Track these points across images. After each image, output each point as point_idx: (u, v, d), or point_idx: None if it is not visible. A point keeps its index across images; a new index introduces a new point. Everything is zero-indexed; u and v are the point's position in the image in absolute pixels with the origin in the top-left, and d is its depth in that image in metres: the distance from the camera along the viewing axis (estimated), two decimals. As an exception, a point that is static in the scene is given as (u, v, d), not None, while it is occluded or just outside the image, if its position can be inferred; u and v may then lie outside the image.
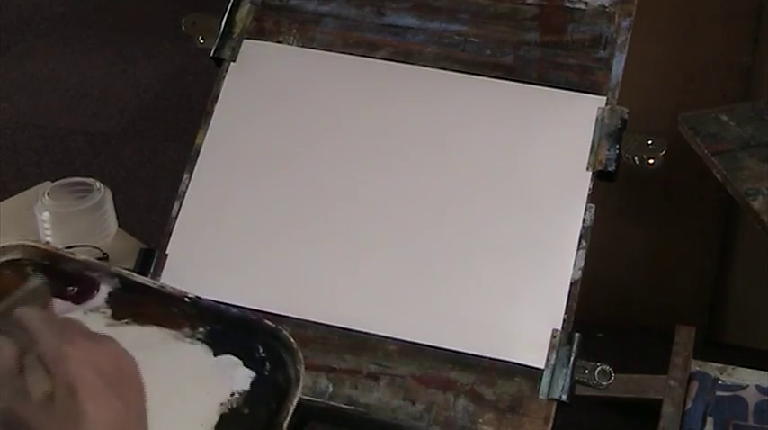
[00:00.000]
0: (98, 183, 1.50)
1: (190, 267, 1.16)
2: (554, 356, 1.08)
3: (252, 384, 0.89)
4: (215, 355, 0.91)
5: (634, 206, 2.15)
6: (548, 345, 1.08)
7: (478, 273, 1.13)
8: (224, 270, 1.16)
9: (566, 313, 1.10)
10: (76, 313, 0.90)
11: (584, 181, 1.15)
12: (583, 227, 1.13)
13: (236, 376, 0.89)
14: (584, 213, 1.13)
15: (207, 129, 1.23)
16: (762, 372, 1.59)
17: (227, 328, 0.92)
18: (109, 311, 0.91)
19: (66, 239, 1.42)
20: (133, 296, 0.92)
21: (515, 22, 1.24)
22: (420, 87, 1.23)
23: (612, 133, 1.17)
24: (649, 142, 1.16)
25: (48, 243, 0.96)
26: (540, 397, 1.06)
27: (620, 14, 1.22)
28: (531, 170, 1.17)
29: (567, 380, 1.06)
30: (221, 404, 0.87)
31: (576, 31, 1.22)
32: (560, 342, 1.08)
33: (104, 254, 1.44)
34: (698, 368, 1.61)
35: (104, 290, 0.93)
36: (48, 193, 1.47)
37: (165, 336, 0.91)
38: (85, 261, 0.94)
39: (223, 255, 1.17)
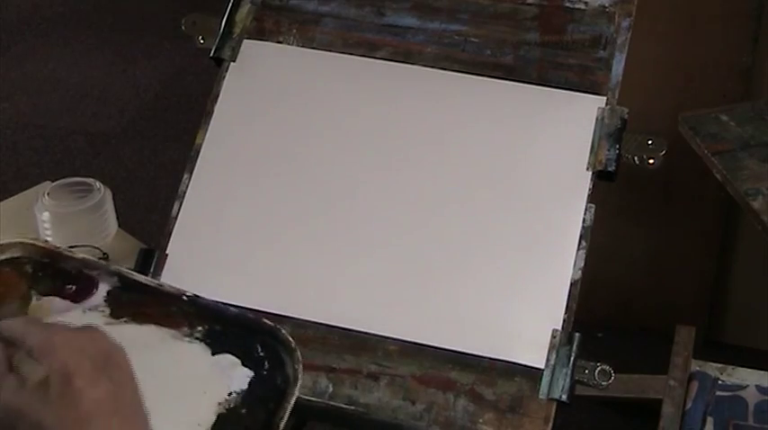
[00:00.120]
0: (98, 183, 1.50)
1: (190, 267, 1.16)
2: (554, 356, 1.08)
3: (250, 384, 0.88)
4: (213, 355, 0.91)
5: (634, 206, 2.15)
6: (548, 345, 1.08)
7: (478, 273, 1.13)
8: (224, 270, 1.16)
9: (566, 313, 1.10)
10: (75, 312, 0.90)
11: (584, 181, 1.15)
12: (583, 227, 1.13)
13: (234, 376, 0.89)
14: (584, 213, 1.13)
15: (207, 129, 1.23)
16: (762, 372, 1.59)
17: (226, 327, 0.92)
18: (107, 310, 0.91)
19: (66, 239, 1.42)
20: (132, 295, 0.92)
21: (515, 22, 1.24)
22: (420, 87, 1.23)
23: (612, 133, 1.17)
24: (649, 142, 1.16)
25: (47, 241, 0.96)
26: (540, 397, 1.06)
27: (620, 14, 1.22)
28: (531, 170, 1.17)
29: (567, 380, 1.06)
30: (219, 404, 0.87)
31: (575, 31, 1.22)
32: (560, 342, 1.08)
33: (104, 254, 1.44)
34: (698, 368, 1.61)
35: (103, 288, 0.93)
36: (48, 193, 1.47)
37: (164, 336, 0.91)
38: (84, 259, 0.94)
39: (223, 255, 1.17)
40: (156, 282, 0.95)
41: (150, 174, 2.82)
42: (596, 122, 1.17)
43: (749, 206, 1.53)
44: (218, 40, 1.26)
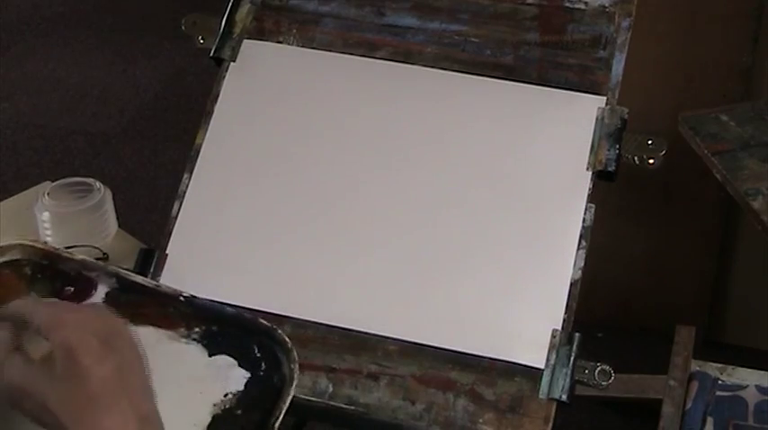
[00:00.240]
0: (98, 183, 1.50)
1: (190, 267, 1.16)
2: (554, 356, 1.08)
3: (246, 385, 0.88)
4: (210, 356, 0.91)
5: (634, 206, 2.15)
6: (548, 345, 1.08)
7: (478, 273, 1.13)
8: (224, 270, 1.16)
9: (566, 313, 1.10)
10: None
11: (584, 181, 1.15)
12: (583, 227, 1.13)
13: (230, 377, 0.89)
14: (584, 213, 1.13)
15: (207, 129, 1.23)
16: (762, 372, 1.59)
17: (223, 328, 0.92)
18: None
19: (66, 239, 1.42)
20: (130, 296, 0.92)
21: (515, 22, 1.24)
22: (420, 87, 1.23)
23: (612, 133, 1.17)
24: (649, 142, 1.16)
25: (46, 242, 0.96)
26: (540, 397, 1.06)
27: (620, 14, 1.22)
28: (531, 170, 1.17)
29: (567, 380, 1.06)
30: (214, 405, 0.87)
31: (576, 31, 1.22)
32: (560, 342, 1.08)
33: (104, 254, 1.44)
34: (698, 368, 1.61)
35: (102, 290, 0.93)
36: (48, 193, 1.47)
37: (161, 337, 0.91)
38: (83, 260, 0.94)
39: (223, 255, 1.17)
40: (154, 282, 0.95)
41: (150, 174, 2.83)
42: (596, 122, 1.17)
43: (749, 206, 1.53)
44: (218, 40, 1.26)
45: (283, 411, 0.85)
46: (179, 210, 1.20)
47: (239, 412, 0.87)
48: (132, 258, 1.18)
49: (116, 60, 3.38)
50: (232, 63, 1.26)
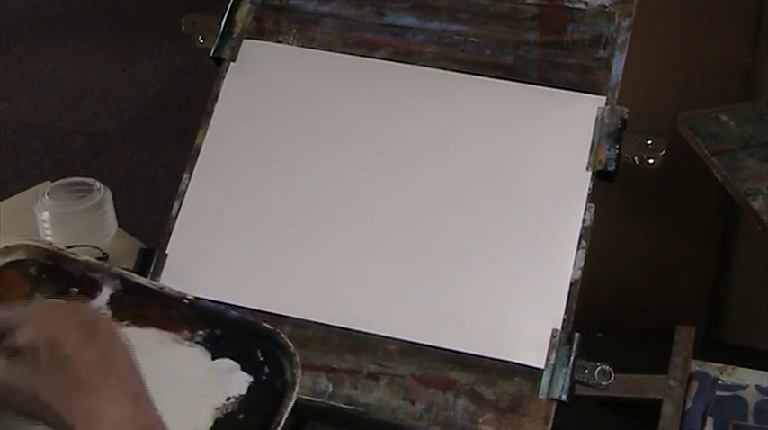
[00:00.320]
0: (98, 183, 1.50)
1: (190, 267, 1.16)
2: (554, 356, 1.08)
3: (249, 389, 0.88)
4: (213, 359, 0.90)
5: (634, 206, 2.15)
6: (548, 345, 1.08)
7: (478, 273, 1.13)
8: (224, 270, 1.16)
9: (566, 313, 1.10)
10: None
11: (584, 181, 1.15)
12: (583, 227, 1.13)
13: (232, 380, 0.89)
14: (584, 213, 1.13)
15: (207, 129, 1.23)
16: (762, 372, 1.59)
17: (226, 331, 0.91)
18: (110, 313, 0.91)
19: (66, 239, 1.42)
20: (134, 298, 0.92)
21: (515, 22, 1.24)
22: (420, 87, 1.23)
23: (612, 133, 1.16)
24: (649, 142, 1.16)
25: (51, 243, 0.95)
26: (540, 397, 1.06)
27: (620, 14, 1.22)
28: (531, 170, 1.17)
29: (567, 379, 1.06)
30: (216, 409, 0.87)
31: (576, 31, 1.22)
32: (560, 342, 1.08)
33: (104, 253, 1.43)
34: (698, 368, 1.61)
35: (106, 291, 0.93)
36: (48, 193, 1.47)
37: (164, 339, 0.91)
38: (87, 262, 0.94)
39: (223, 255, 1.17)
40: (158, 284, 0.95)
41: (150, 174, 2.82)
42: (596, 122, 1.17)
43: (749, 206, 1.53)
44: (218, 40, 1.26)
45: (285, 416, 0.84)
46: (179, 209, 1.20)
47: (241, 416, 0.86)
48: (132, 258, 1.18)
49: (116, 60, 3.38)
50: (232, 63, 1.26)
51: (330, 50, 1.25)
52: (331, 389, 1.08)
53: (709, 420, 1.51)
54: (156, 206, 2.53)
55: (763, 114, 1.72)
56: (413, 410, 1.07)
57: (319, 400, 1.08)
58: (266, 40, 1.27)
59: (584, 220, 1.13)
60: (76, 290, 0.92)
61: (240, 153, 1.22)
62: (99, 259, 1.36)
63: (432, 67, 1.23)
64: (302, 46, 1.26)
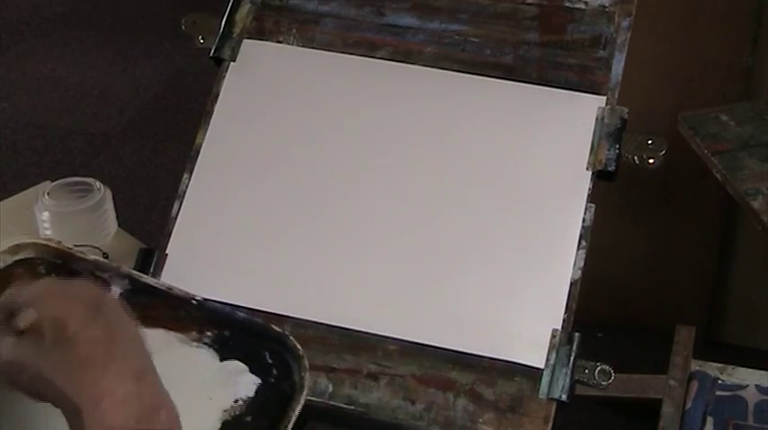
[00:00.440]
0: (98, 183, 1.50)
1: (190, 267, 1.16)
2: (554, 356, 1.08)
3: (257, 391, 0.88)
4: (221, 360, 0.90)
5: (634, 206, 2.15)
6: (547, 345, 1.08)
7: (478, 273, 1.13)
8: (224, 270, 1.16)
9: (566, 313, 1.10)
10: None
11: (584, 181, 1.15)
12: (583, 226, 1.13)
13: (240, 382, 0.88)
14: (584, 213, 1.13)
15: (207, 129, 1.23)
16: (762, 372, 1.59)
17: (234, 333, 0.91)
18: None
19: (65, 239, 1.40)
20: (142, 298, 0.92)
21: (515, 22, 1.24)
22: (420, 87, 1.23)
23: (612, 133, 1.16)
24: (649, 142, 1.16)
25: (60, 242, 0.95)
26: (540, 396, 1.06)
27: (619, 14, 1.22)
28: (531, 170, 1.17)
29: (567, 379, 1.06)
30: (224, 411, 0.86)
31: (575, 31, 1.22)
32: (560, 342, 1.08)
33: (104, 253, 1.43)
34: (698, 368, 1.61)
35: (115, 291, 0.92)
36: (48, 193, 1.47)
37: (172, 340, 0.90)
38: (96, 261, 0.94)
39: (223, 255, 1.17)
40: (166, 285, 0.94)
41: (150, 174, 2.82)
42: (596, 122, 1.17)
43: (749, 206, 1.53)
44: (218, 40, 1.26)
45: (293, 420, 0.84)
46: (179, 209, 1.20)
47: (249, 418, 0.86)
48: (132, 258, 1.18)
49: (116, 60, 3.38)
50: (232, 63, 1.26)
51: (330, 50, 1.25)
52: (331, 388, 1.08)
53: (709, 420, 1.51)
54: (156, 206, 2.53)
55: (763, 114, 1.72)
56: (413, 410, 1.07)
57: (319, 400, 1.08)
58: (266, 40, 1.27)
59: (584, 220, 1.13)
60: None
61: (240, 153, 1.22)
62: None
63: (432, 66, 1.23)
64: (302, 46, 1.26)
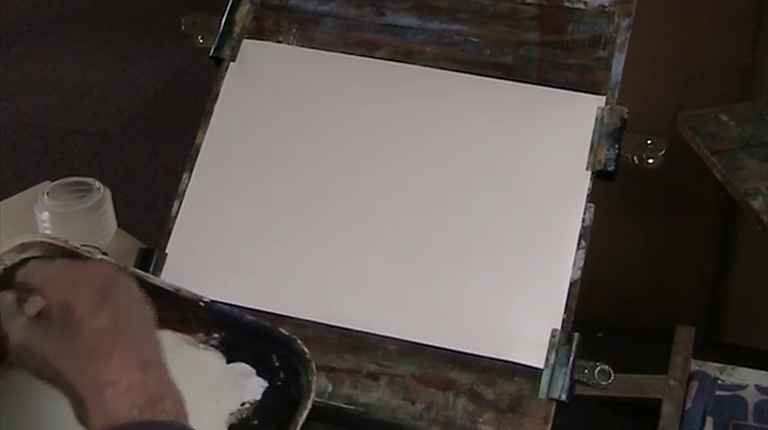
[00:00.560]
0: (98, 183, 1.50)
1: (189, 267, 1.16)
2: (553, 356, 1.08)
3: (264, 394, 0.87)
4: (228, 363, 0.89)
5: (634, 206, 2.15)
6: (547, 345, 1.08)
7: (478, 273, 1.13)
8: (224, 269, 1.16)
9: (565, 313, 1.10)
10: None
11: (584, 180, 1.15)
12: (582, 226, 1.13)
13: (247, 385, 0.88)
14: (584, 213, 1.13)
15: (207, 129, 1.23)
16: (762, 372, 1.59)
17: (242, 335, 0.90)
18: None
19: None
20: (149, 299, 0.91)
21: (515, 22, 1.24)
22: (420, 87, 1.23)
23: (612, 133, 1.16)
24: (649, 142, 1.16)
25: (67, 241, 0.95)
26: (540, 396, 1.06)
27: (619, 14, 1.22)
28: (531, 169, 1.17)
29: (567, 379, 1.06)
30: (231, 414, 0.86)
31: (575, 31, 1.22)
32: (560, 341, 1.08)
33: (104, 253, 1.43)
34: (698, 368, 1.61)
35: None
36: (47, 193, 1.47)
37: (179, 341, 0.90)
38: (103, 260, 0.93)
39: (223, 255, 1.17)
40: (174, 286, 0.94)
41: (150, 173, 2.83)
42: (596, 122, 1.17)
43: (749, 206, 1.54)
44: (218, 40, 1.26)
45: (300, 424, 0.83)
46: (179, 209, 1.19)
47: (255, 422, 0.85)
48: (132, 258, 1.18)
49: (116, 60, 3.38)
50: (232, 63, 1.26)
51: (330, 50, 1.25)
52: (331, 388, 1.08)
53: (709, 420, 1.51)
54: (155, 206, 2.54)
55: (763, 114, 1.72)
56: (413, 410, 1.07)
57: (319, 400, 1.08)
58: (266, 40, 1.27)
59: (583, 220, 1.13)
60: None
61: (240, 153, 1.22)
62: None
63: (432, 66, 1.23)
64: (302, 46, 1.26)
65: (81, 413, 0.70)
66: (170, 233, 1.18)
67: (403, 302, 1.12)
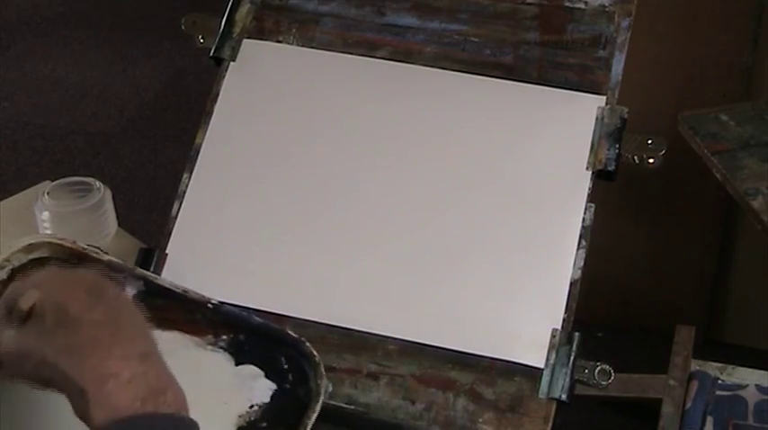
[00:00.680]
0: (98, 183, 1.50)
1: (190, 267, 1.16)
2: (554, 356, 1.08)
3: (272, 397, 0.86)
4: (236, 365, 0.89)
5: (634, 206, 2.15)
6: (547, 345, 1.08)
7: (478, 273, 1.13)
8: (224, 269, 1.16)
9: (565, 313, 1.10)
10: None
11: (584, 180, 1.15)
12: (582, 226, 1.13)
13: (256, 387, 0.87)
14: (584, 213, 1.13)
15: (207, 129, 1.23)
16: (762, 372, 1.59)
17: (250, 337, 0.90)
18: None
19: (65, 239, 1.42)
20: (157, 300, 0.90)
21: (515, 22, 1.24)
22: (420, 87, 1.23)
23: (612, 133, 1.16)
24: (649, 142, 1.16)
25: (74, 241, 0.94)
26: (540, 396, 1.06)
27: (619, 14, 1.22)
28: (531, 169, 1.17)
29: (567, 379, 1.06)
30: (239, 416, 0.85)
31: (575, 31, 1.22)
32: (560, 341, 1.08)
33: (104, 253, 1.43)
34: (698, 368, 1.61)
35: (129, 292, 0.92)
36: (47, 193, 1.47)
37: (187, 343, 0.89)
38: (110, 261, 0.93)
39: (223, 255, 1.17)
40: (182, 287, 0.93)
41: (150, 173, 2.83)
42: (596, 122, 1.17)
43: (749, 206, 1.54)
44: (218, 40, 1.26)
45: (309, 427, 0.83)
46: (179, 209, 1.19)
47: (264, 425, 0.84)
48: (132, 258, 1.18)
49: (116, 60, 3.38)
50: (232, 63, 1.26)
51: (330, 50, 1.25)
52: (331, 388, 1.08)
53: (709, 420, 1.51)
54: (156, 206, 2.54)
55: (763, 114, 1.72)
56: (413, 410, 1.07)
57: (319, 400, 1.08)
58: (266, 40, 1.27)
59: (583, 220, 1.13)
60: None
61: (240, 153, 1.22)
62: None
63: (432, 66, 1.23)
64: (302, 46, 1.26)
65: (82, 407, 0.70)
66: (170, 233, 1.18)
67: (403, 302, 1.12)
